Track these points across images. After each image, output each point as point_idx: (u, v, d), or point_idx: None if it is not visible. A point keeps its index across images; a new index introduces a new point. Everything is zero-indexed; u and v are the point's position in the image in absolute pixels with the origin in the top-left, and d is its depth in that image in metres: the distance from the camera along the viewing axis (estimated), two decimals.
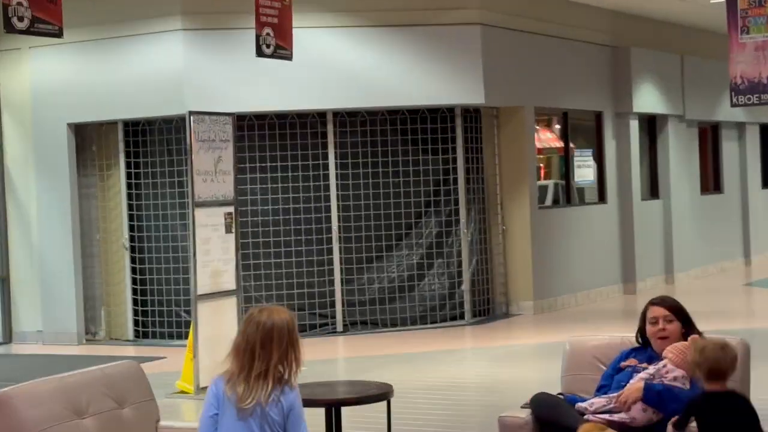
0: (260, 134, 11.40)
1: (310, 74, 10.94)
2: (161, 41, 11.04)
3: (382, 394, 5.40)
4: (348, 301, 11.57)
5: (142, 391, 4.50)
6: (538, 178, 13.25)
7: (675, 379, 4.01)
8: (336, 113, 11.44)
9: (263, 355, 3.43)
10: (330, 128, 11.46)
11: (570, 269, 13.05)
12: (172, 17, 10.92)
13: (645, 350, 4.36)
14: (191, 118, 8.20)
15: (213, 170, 8.41)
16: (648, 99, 14.39)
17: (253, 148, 11.33)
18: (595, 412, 4.04)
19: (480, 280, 11.97)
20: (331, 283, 11.50)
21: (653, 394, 3.96)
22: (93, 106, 11.42)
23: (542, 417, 4.20)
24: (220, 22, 11.00)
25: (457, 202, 11.73)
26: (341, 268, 11.52)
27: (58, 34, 6.30)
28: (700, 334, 4.13)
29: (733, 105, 11.20)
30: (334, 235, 11.55)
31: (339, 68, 11.25)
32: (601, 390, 4.29)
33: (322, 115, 11.48)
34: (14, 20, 6.05)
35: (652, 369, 4.12)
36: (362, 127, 11.60)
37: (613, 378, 4.28)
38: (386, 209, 11.58)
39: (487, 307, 12.05)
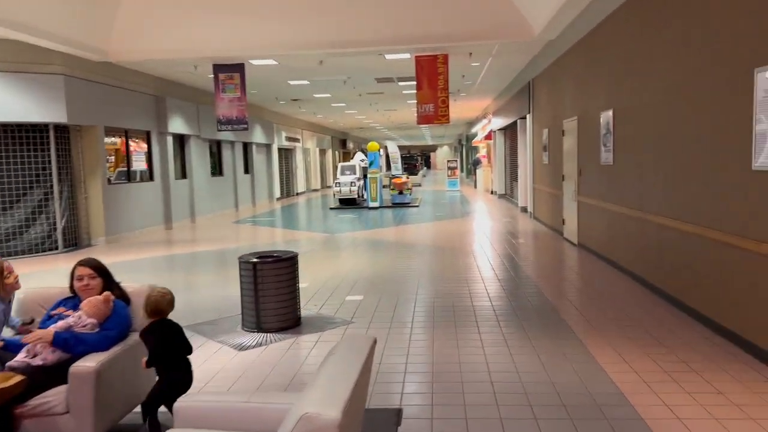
0: None
1: None
2: None
3: None
4: None
5: None
6: (114, 167, 12.90)
7: (86, 326, 3.29)
8: None
9: None
10: None
11: (131, 217, 13.07)
12: None
13: (74, 300, 3.52)
14: None
15: None
16: (178, 125, 15.03)
17: None
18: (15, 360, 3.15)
19: (70, 226, 11.54)
20: None
21: (60, 340, 3.19)
22: None
23: None
24: None
25: (52, 180, 11.14)
26: None
27: None
28: (118, 284, 3.61)
29: (219, 130, 12.08)
30: None
31: None
32: None
33: None
34: None
35: (72, 318, 3.32)
36: None
37: (46, 323, 3.39)
38: (8, 181, 10.73)
39: (76, 241, 11.72)
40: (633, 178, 7.04)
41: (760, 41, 4.16)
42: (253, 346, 5.15)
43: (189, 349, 3.39)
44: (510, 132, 19.60)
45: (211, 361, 4.78)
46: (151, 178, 14.42)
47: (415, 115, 12.46)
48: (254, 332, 5.53)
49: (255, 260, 5.53)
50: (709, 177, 4.98)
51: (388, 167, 26.97)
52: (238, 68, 12.46)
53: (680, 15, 5.51)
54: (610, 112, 7.81)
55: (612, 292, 6.53)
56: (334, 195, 20.55)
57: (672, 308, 5.79)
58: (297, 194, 28.02)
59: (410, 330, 5.45)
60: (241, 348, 5.13)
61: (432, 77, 11.80)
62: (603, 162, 8.23)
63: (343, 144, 42.23)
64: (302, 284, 7.36)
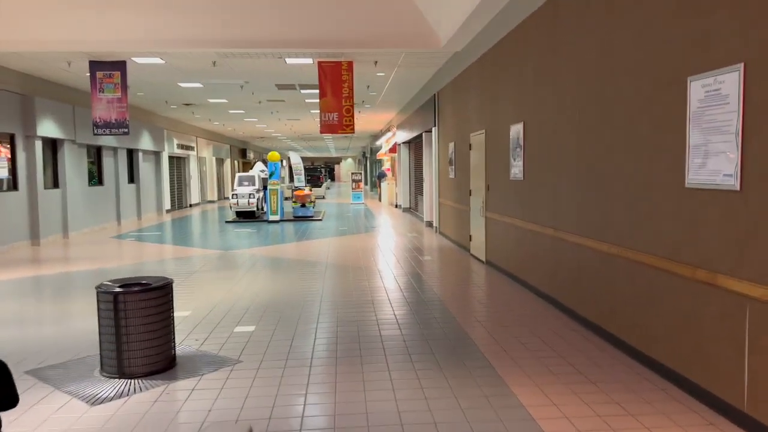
0: None
1: None
2: None
3: None
4: None
5: None
6: None
7: None
8: None
9: None
10: None
11: None
12: None
13: None
14: None
15: None
16: (49, 128, 13.33)
17: None
18: None
19: None
20: None
21: None
22: None
23: None
24: None
25: None
26: None
27: None
28: None
29: (95, 134, 11.12)
30: None
31: None
32: None
33: None
34: None
35: None
36: None
37: None
38: None
39: None
40: (546, 194, 6.69)
41: (693, 48, 3.81)
42: (112, 398, 4.15)
43: (12, 401, 2.29)
44: (415, 145, 19.33)
45: (54, 420, 3.76)
46: (14, 187, 12.59)
47: (319, 124, 11.70)
48: (115, 378, 4.50)
49: (117, 289, 4.50)
50: (636, 195, 4.62)
51: (291, 179, 25.95)
52: (119, 66, 11.16)
53: (600, 21, 5.17)
54: (521, 126, 7.48)
55: (527, 317, 6.09)
56: (230, 207, 19.31)
57: (591, 335, 5.41)
58: (190, 206, 26.31)
59: (309, 369, 4.65)
60: (95, 401, 4.10)
61: (336, 85, 11.12)
62: (513, 177, 7.88)
63: (243, 154, 40.57)
64: (184, 313, 6.35)
